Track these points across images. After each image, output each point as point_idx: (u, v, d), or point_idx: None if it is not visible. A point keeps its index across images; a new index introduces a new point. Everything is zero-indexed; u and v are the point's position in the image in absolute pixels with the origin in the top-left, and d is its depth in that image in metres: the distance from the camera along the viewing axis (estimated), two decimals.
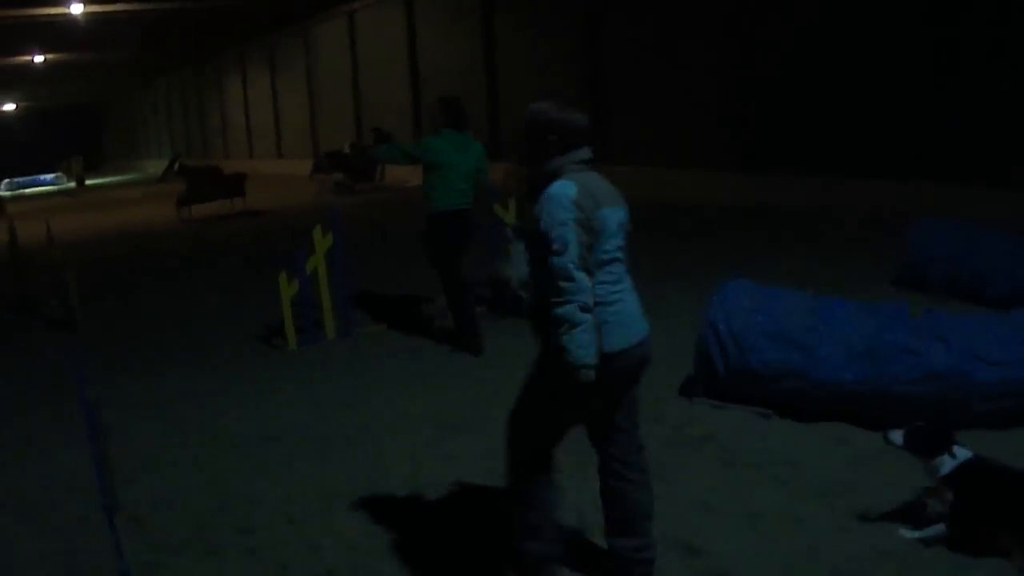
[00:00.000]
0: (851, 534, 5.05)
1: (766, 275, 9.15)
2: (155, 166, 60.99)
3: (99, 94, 77.22)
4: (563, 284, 4.15)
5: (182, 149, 60.05)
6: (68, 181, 59.42)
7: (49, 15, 32.56)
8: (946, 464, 4.84)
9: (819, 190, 16.54)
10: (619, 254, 4.43)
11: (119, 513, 5.12)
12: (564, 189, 4.26)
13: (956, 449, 4.86)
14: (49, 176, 65.48)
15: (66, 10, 31.71)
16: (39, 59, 44.74)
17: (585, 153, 4.47)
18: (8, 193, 54.42)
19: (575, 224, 4.18)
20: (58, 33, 36.61)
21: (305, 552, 5.41)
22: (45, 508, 6.52)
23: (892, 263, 10.55)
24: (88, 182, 55.08)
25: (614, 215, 4.39)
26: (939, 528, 4.85)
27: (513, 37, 26.58)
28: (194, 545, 5.67)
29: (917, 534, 4.92)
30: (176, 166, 46.64)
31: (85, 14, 32.95)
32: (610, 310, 4.35)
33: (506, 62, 27.09)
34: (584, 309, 4.15)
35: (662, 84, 21.10)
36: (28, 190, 58.84)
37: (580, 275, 4.16)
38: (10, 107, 78.66)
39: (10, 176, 63.01)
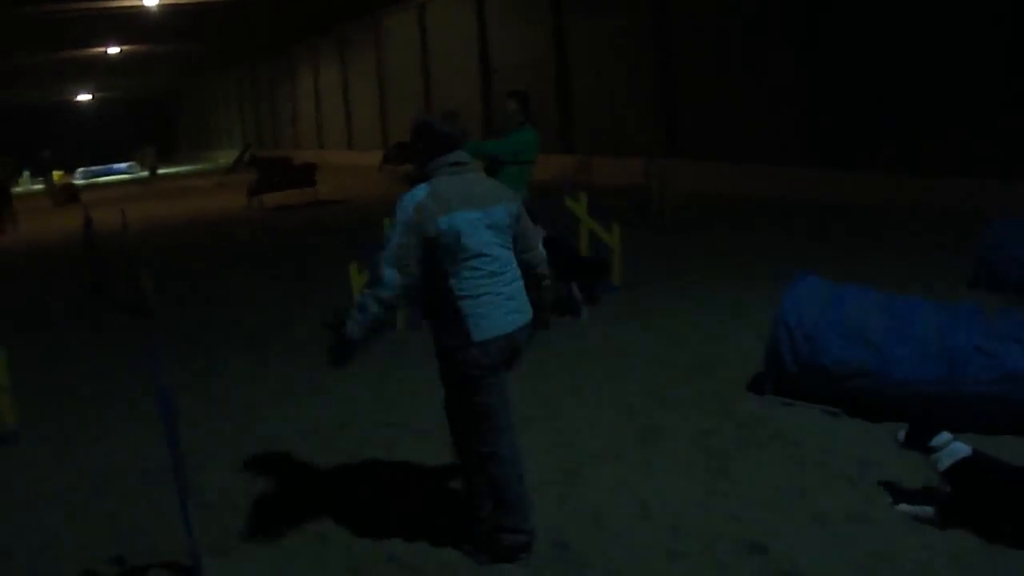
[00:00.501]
0: (920, 535, 4.99)
1: (837, 273, 9.05)
2: (226, 156, 61.58)
3: (172, 85, 78.16)
4: (373, 275, 4.81)
5: (253, 140, 60.59)
6: (141, 170, 60.20)
7: (123, 7, 33.04)
8: (944, 460, 5.07)
9: (891, 187, 16.32)
10: (487, 250, 4.85)
11: (190, 498, 5.18)
12: (415, 194, 4.83)
13: (955, 445, 5.09)
14: (122, 165, 66.37)
15: (140, 2, 32.14)
16: (114, 50, 45.36)
17: (454, 157, 4.96)
18: (82, 182, 55.26)
19: (405, 227, 4.74)
20: (132, 25, 37.11)
21: (372, 539, 5.46)
22: (118, 491, 6.65)
23: (967, 263, 10.37)
24: (160, 171, 55.77)
25: (472, 216, 4.81)
26: (928, 510, 5.12)
27: (583, 28, 26.49)
28: (263, 531, 5.74)
29: (908, 508, 5.22)
30: (247, 156, 47.10)
31: (159, 6, 33.37)
32: (476, 302, 4.81)
33: (576, 53, 27.02)
34: (378, 302, 4.78)
35: (732, 77, 20.94)
36: (102, 179, 59.71)
37: (388, 271, 4.74)
38: (85, 97, 79.89)
39: (84, 165, 64.00)
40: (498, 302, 4.86)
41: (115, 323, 12.45)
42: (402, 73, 39.02)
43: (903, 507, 5.26)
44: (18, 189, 48.62)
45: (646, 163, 19.21)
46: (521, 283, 5.05)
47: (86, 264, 15.37)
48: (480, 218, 4.83)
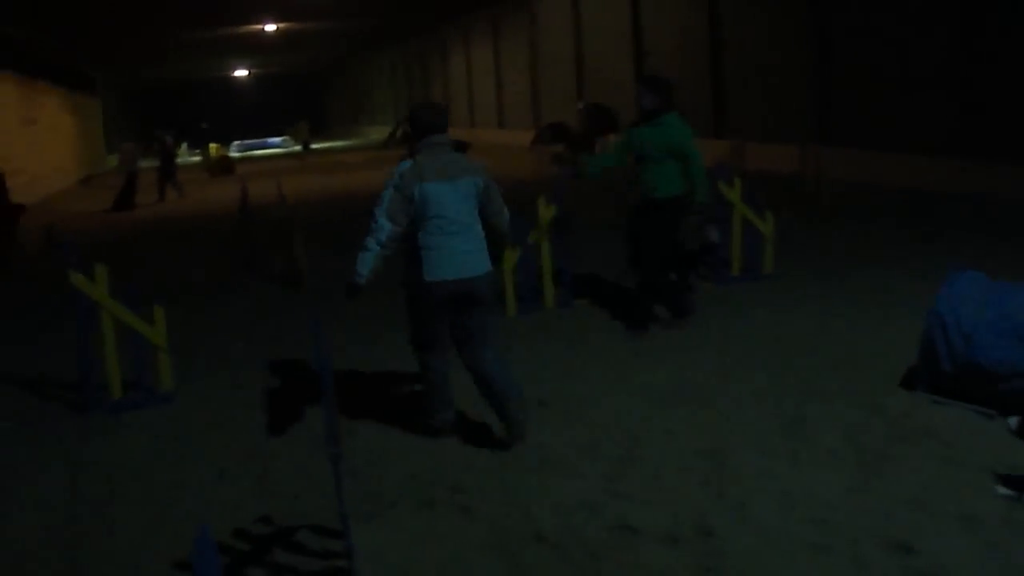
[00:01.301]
0: None
1: (997, 269, 8.77)
2: (378, 132, 62.58)
3: (326, 61, 79.59)
4: (372, 224, 6.32)
5: (404, 116, 61.22)
6: (294, 145, 61.56)
7: None
8: None
9: None
10: (446, 213, 6.27)
11: (340, 463, 5.29)
12: (401, 166, 6.34)
13: None
14: (276, 139, 68.13)
15: None
16: (271, 28, 46.39)
17: (436, 139, 6.42)
18: (238, 154, 56.78)
19: (394, 189, 6.27)
20: (289, 2, 37.86)
21: (517, 515, 5.52)
22: (266, 455, 6.87)
23: None
24: (313, 146, 56.93)
25: (441, 187, 6.26)
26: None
27: (739, 11, 26.06)
28: (408, 499, 5.86)
29: (1004, 492, 5.35)
30: (399, 132, 47.73)
31: None
32: (430, 253, 6.29)
33: (732, 37, 26.57)
34: (377, 243, 6.31)
35: (891, 63, 20.32)
36: (256, 152, 61.24)
37: (383, 220, 6.28)
38: (242, 73, 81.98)
39: (240, 139, 65.80)
40: (449, 254, 6.28)
41: (269, 292, 12.78)
42: (554, 54, 38.97)
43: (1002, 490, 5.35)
44: (177, 160, 50.10)
45: (803, 150, 18.86)
46: (478, 243, 6.43)
47: (242, 233, 15.78)
48: (448, 189, 6.28)
